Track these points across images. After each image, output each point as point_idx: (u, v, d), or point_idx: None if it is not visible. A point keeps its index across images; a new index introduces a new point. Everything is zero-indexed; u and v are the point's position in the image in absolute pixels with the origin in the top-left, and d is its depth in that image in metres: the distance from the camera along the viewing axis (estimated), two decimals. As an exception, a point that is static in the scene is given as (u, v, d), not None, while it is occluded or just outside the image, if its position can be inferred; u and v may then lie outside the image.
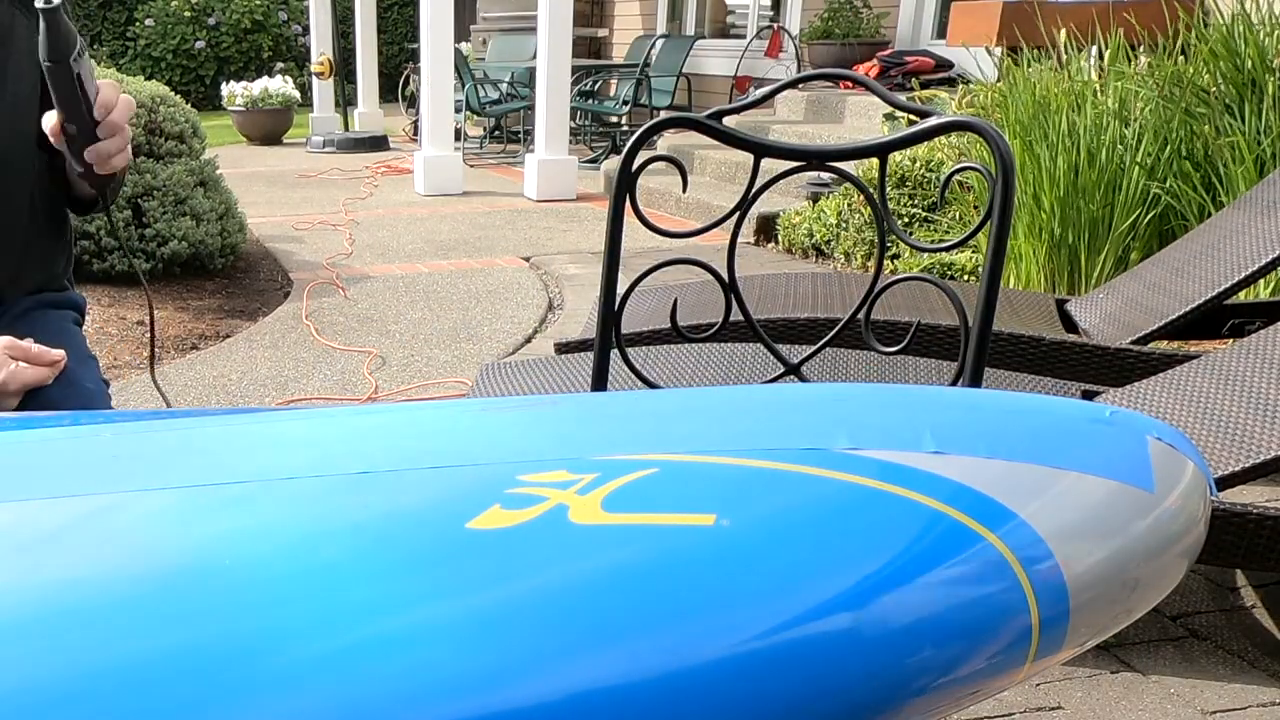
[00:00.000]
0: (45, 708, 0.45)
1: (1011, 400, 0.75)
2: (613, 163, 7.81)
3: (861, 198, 4.69)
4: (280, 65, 13.30)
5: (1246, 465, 1.83)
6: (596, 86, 9.59)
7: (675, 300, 1.57)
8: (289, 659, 0.48)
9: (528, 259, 5.38)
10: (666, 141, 7.37)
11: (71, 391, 1.27)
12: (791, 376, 1.40)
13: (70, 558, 0.56)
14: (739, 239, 1.36)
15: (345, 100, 10.28)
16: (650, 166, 1.25)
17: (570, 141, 7.54)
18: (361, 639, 0.49)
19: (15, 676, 0.46)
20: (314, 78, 10.56)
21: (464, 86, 8.56)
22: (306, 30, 11.75)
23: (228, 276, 4.96)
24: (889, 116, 5.06)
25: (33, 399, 1.22)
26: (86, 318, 1.54)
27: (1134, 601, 0.66)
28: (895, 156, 4.52)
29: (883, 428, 0.65)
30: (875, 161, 1.29)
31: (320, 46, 10.34)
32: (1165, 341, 2.87)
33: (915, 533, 0.57)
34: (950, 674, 0.56)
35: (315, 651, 0.48)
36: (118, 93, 1.20)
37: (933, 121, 1.22)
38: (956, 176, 1.26)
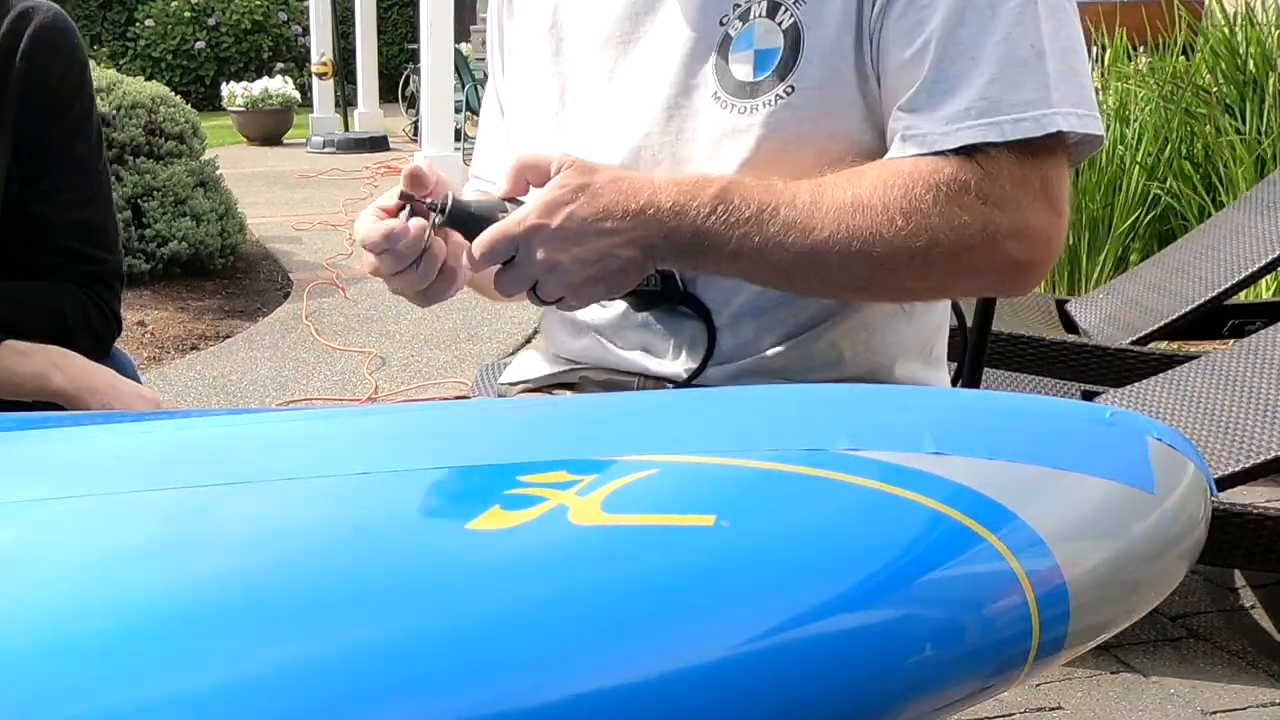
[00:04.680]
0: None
1: (1012, 401, 0.75)
2: (613, 163, 7.78)
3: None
4: (280, 65, 13.30)
5: (1246, 465, 1.83)
6: (596, 87, 9.58)
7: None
8: (288, 655, 0.48)
9: (528, 259, 5.38)
10: (666, 142, 7.35)
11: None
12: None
13: (63, 560, 0.56)
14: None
15: (345, 101, 10.28)
16: (650, 167, 1.24)
17: (570, 142, 7.53)
18: (359, 637, 0.49)
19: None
20: (314, 78, 10.56)
21: (464, 87, 8.56)
22: (306, 30, 11.75)
23: (228, 277, 4.96)
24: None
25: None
26: None
27: (1134, 602, 0.66)
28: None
29: (883, 428, 0.65)
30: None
31: (320, 47, 10.34)
32: (1165, 342, 2.87)
33: (915, 533, 0.57)
34: (950, 674, 0.56)
35: (313, 649, 0.48)
36: None
37: (933, 122, 1.22)
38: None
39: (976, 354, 1.41)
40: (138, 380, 1.38)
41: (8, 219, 1.31)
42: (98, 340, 1.36)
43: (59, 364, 1.23)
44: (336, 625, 0.49)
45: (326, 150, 9.65)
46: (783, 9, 0.92)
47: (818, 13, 0.90)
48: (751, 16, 0.93)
